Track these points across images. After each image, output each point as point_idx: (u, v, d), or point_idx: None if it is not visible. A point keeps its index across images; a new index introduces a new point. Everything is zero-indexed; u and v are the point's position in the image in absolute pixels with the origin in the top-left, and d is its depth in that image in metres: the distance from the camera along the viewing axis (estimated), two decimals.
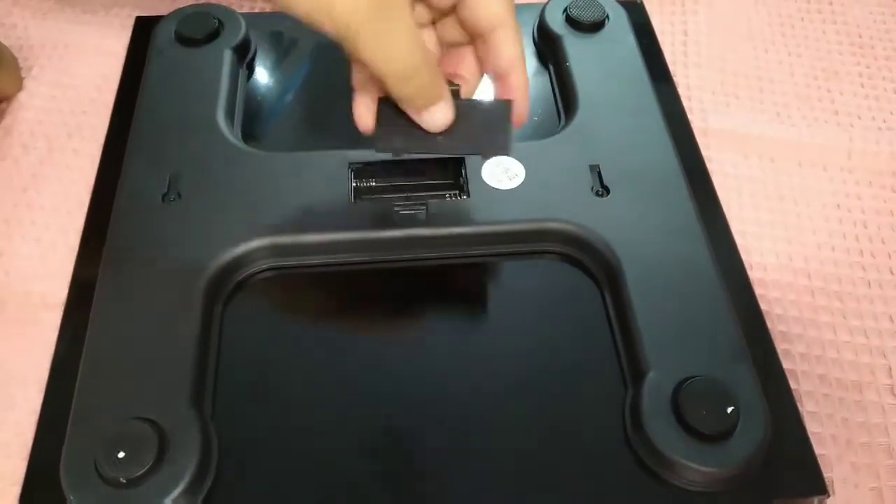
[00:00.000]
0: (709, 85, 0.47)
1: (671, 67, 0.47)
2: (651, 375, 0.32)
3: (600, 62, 0.44)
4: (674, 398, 0.31)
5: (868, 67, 0.48)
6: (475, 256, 0.37)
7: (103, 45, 0.48)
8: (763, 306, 0.37)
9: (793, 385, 0.34)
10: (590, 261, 0.37)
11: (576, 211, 0.37)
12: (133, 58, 0.46)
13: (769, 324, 0.36)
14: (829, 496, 0.31)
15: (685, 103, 0.45)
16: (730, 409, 0.31)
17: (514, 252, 0.37)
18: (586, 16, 0.46)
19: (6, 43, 0.45)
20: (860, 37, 0.50)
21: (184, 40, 0.44)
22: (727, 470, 0.30)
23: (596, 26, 0.46)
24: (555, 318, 0.36)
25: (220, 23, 0.45)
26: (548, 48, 0.46)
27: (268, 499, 0.30)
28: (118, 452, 0.29)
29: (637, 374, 0.33)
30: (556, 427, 0.32)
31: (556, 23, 0.46)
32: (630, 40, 0.46)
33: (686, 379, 0.31)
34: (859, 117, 0.46)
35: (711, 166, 0.42)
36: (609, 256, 0.36)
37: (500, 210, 0.37)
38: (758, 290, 0.37)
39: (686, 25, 0.50)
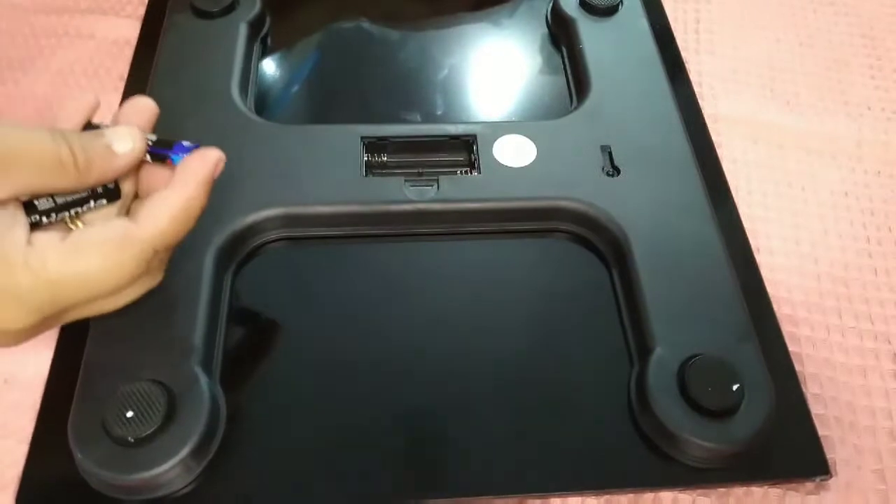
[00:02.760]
0: (720, 72, 0.47)
1: (683, 54, 0.47)
2: (657, 352, 0.32)
3: (613, 46, 0.44)
4: (679, 374, 0.31)
5: (879, 59, 0.49)
6: (485, 233, 0.37)
7: (122, 12, 0.48)
8: (769, 289, 0.37)
9: (797, 367, 0.34)
10: (599, 239, 0.37)
11: (586, 190, 0.37)
12: (149, 28, 0.46)
13: (775, 306, 0.36)
14: (830, 476, 0.31)
15: (696, 90, 0.45)
16: (735, 387, 0.31)
17: (524, 229, 0.38)
18: (601, 0, 0.46)
19: None
20: (871, 29, 0.50)
21: (199, 12, 0.45)
22: (730, 446, 0.30)
23: (610, 10, 0.46)
24: (563, 295, 0.36)
25: None
26: (561, 31, 0.47)
27: (272, 464, 0.30)
28: (127, 412, 0.29)
29: (643, 350, 0.33)
30: (563, 402, 0.32)
31: (571, 7, 0.47)
32: (643, 25, 0.46)
33: (692, 356, 0.32)
34: (869, 108, 0.46)
35: (721, 152, 0.42)
36: (618, 235, 0.36)
37: (510, 187, 0.37)
38: (764, 273, 0.37)
39: (699, 13, 0.50)
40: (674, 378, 0.31)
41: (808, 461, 0.31)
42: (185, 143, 0.30)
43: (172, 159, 0.30)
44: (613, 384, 0.33)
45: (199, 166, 0.30)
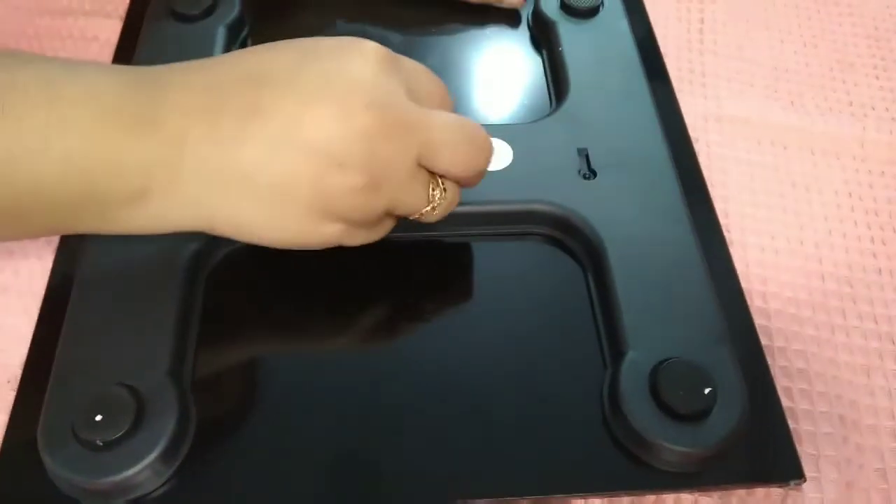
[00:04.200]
0: (724, 72, 0.46)
1: (687, 54, 0.47)
2: (630, 355, 0.31)
3: (593, 48, 0.44)
4: (651, 378, 0.31)
5: (883, 60, 0.47)
6: (460, 236, 0.37)
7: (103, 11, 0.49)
8: (773, 289, 0.36)
9: (802, 366, 0.34)
10: (574, 243, 0.36)
11: (562, 193, 0.37)
12: (127, 31, 0.46)
13: (779, 306, 0.36)
14: (804, 480, 0.30)
15: (700, 90, 0.45)
16: (707, 390, 0.30)
17: (500, 233, 0.37)
18: (581, 2, 0.46)
19: None
20: (876, 29, 0.49)
21: (178, 16, 0.44)
22: (703, 450, 0.29)
23: (590, 12, 0.46)
24: (538, 298, 0.36)
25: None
26: (542, 34, 0.46)
27: (244, 470, 0.30)
28: (96, 416, 0.29)
29: (617, 354, 0.32)
30: (536, 406, 0.32)
31: (552, 9, 0.46)
32: (624, 27, 0.45)
33: (664, 360, 0.31)
34: (873, 108, 0.45)
35: (725, 152, 0.42)
36: (593, 239, 0.35)
37: (486, 191, 0.36)
38: (768, 273, 0.37)
39: (703, 13, 0.50)
40: (646, 381, 0.31)
41: (782, 464, 0.30)
42: None
43: None
44: (587, 388, 0.32)
45: None
